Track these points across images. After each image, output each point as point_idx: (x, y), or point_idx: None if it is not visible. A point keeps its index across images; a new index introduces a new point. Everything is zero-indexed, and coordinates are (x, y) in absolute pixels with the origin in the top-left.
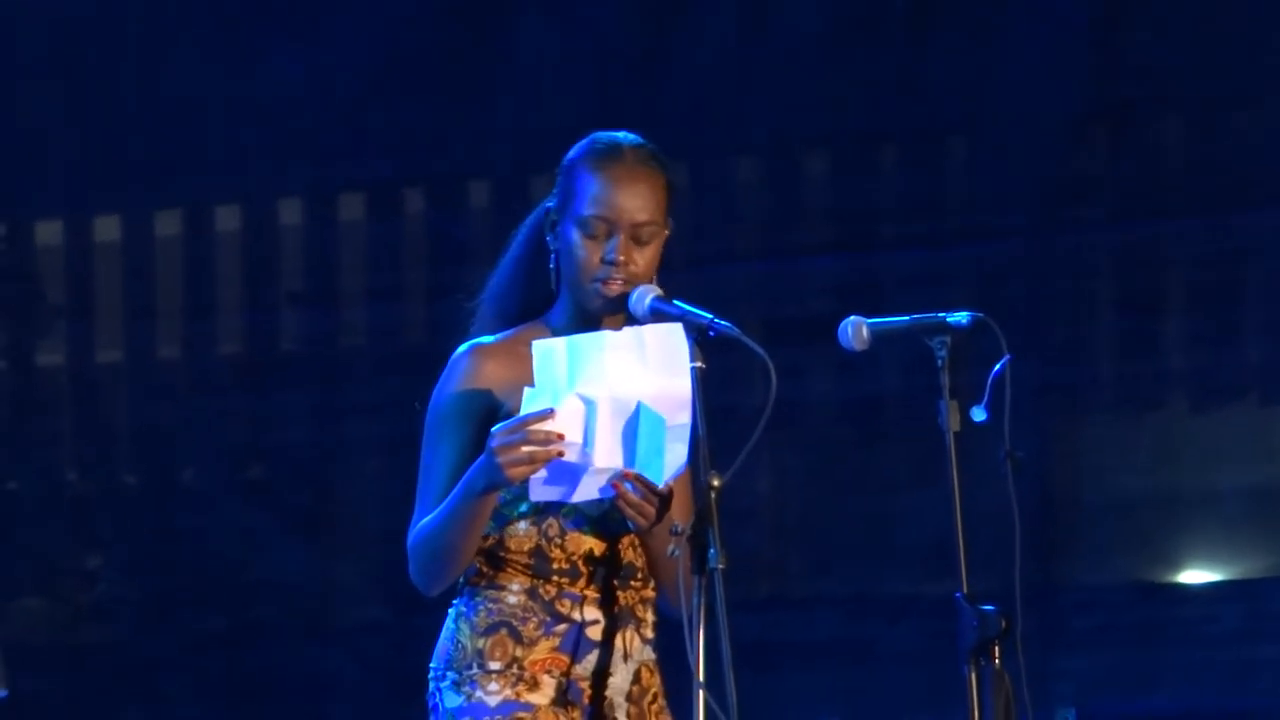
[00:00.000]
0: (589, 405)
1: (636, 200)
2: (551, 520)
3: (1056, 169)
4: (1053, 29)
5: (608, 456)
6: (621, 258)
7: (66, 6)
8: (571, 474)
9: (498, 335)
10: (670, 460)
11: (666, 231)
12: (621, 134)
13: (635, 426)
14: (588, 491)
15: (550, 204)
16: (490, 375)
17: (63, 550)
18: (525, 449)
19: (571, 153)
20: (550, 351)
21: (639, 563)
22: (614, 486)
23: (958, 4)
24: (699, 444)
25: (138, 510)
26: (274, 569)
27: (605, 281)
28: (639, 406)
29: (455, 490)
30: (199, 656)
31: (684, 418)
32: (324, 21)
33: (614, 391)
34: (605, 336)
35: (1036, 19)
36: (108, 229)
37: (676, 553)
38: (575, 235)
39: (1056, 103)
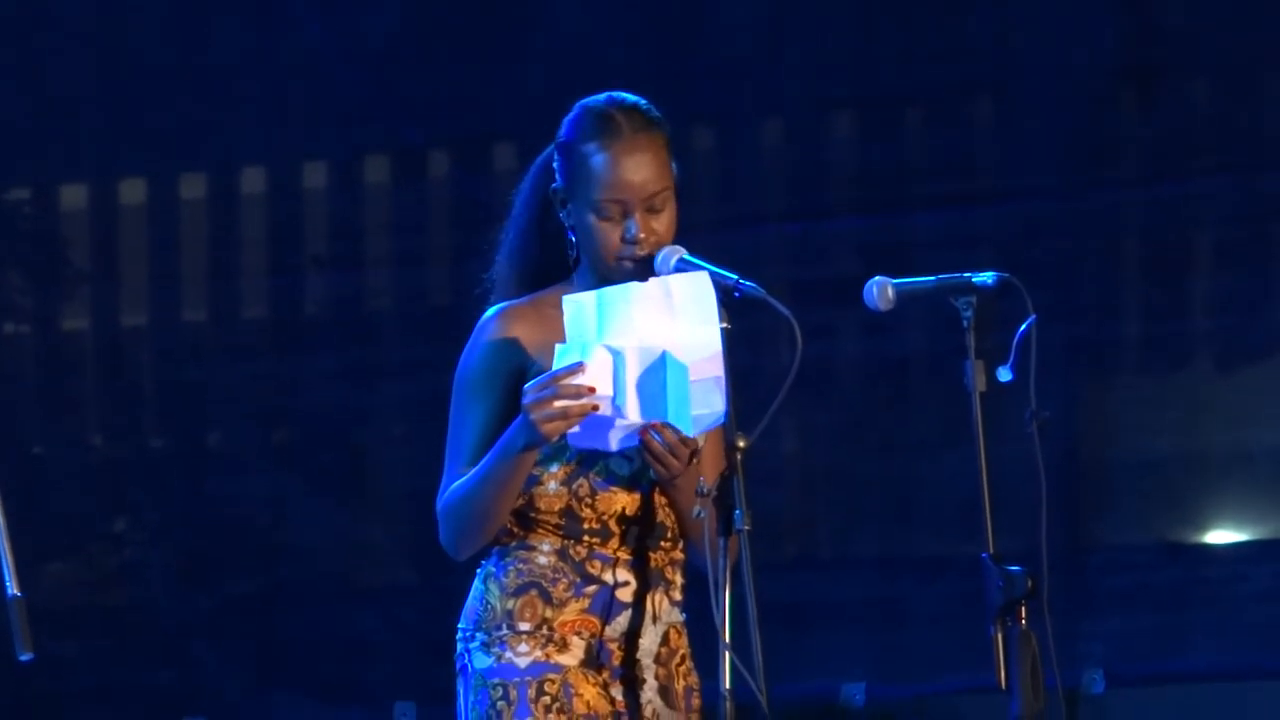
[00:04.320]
0: (617, 357)
1: (644, 172)
2: (582, 480)
3: (1085, 129)
4: None
5: (637, 407)
6: (642, 234)
7: None
8: (607, 426)
9: (523, 298)
10: (704, 412)
11: (675, 182)
12: (608, 100)
13: (663, 376)
14: (622, 440)
15: (556, 185)
16: (518, 337)
17: (89, 514)
18: (558, 404)
19: (566, 131)
20: (581, 306)
21: (669, 522)
22: (640, 435)
23: None
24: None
25: (165, 474)
26: (302, 532)
27: (630, 257)
28: (664, 355)
29: (491, 452)
30: (227, 619)
31: (716, 369)
32: None
33: (642, 341)
34: (632, 288)
35: None
36: (133, 192)
37: (702, 514)
38: (590, 219)
39: (1085, 62)
